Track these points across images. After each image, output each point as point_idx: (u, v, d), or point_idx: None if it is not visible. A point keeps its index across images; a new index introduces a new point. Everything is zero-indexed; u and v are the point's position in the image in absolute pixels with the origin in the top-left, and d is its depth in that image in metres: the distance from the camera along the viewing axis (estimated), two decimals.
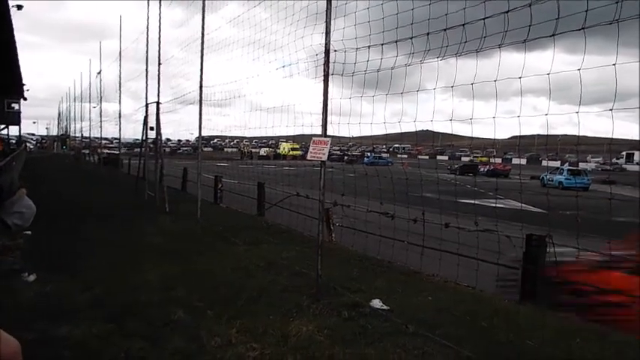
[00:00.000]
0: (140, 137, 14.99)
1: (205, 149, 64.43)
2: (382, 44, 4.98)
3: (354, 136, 6.01)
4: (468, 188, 19.03)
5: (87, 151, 43.03)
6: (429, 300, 5.30)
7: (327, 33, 5.21)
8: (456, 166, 44.94)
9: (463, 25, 4.22)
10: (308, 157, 5.40)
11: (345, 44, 5.27)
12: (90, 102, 33.13)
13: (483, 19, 4.09)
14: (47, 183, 17.73)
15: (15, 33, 15.07)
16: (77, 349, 3.89)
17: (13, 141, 41.89)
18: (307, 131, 6.24)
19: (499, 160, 59.36)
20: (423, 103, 5.33)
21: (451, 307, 4.95)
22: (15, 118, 39.18)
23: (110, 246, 7.45)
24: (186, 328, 4.32)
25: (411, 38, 4.69)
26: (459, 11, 4.27)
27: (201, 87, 10.27)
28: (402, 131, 5.36)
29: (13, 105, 37.52)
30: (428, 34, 4.52)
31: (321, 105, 5.32)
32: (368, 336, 4.24)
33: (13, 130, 42.85)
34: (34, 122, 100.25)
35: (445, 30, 4.36)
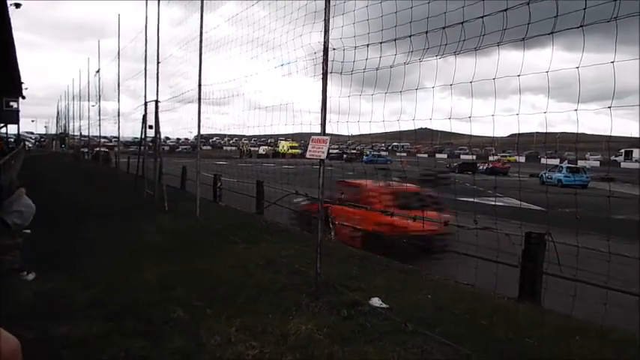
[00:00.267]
0: (139, 135, 14.99)
1: (204, 148, 64.20)
2: (381, 42, 4.98)
3: (353, 134, 6.00)
4: (467, 187, 19.02)
5: (86, 150, 42.95)
6: (429, 298, 5.30)
7: (326, 31, 5.20)
8: (455, 164, 44.85)
9: (462, 23, 4.22)
10: (307, 156, 5.38)
11: (343, 42, 5.26)
12: (89, 100, 33.04)
13: (482, 17, 4.09)
14: (46, 182, 17.70)
15: (14, 32, 15.05)
16: (77, 348, 3.90)
17: (12, 140, 41.89)
18: (306, 130, 6.25)
19: (523, 159, 58.92)
20: (421, 102, 5.33)
21: (450, 306, 4.95)
22: (14, 117, 39.20)
23: (109, 245, 7.45)
24: (186, 327, 4.33)
25: (410, 37, 4.70)
26: (457, 9, 4.28)
27: (199, 85, 10.26)
28: (401, 129, 5.37)
29: (11, 104, 37.49)
30: (427, 32, 4.52)
31: (319, 103, 5.32)
32: (367, 334, 4.24)
33: (12, 129, 42.99)
34: (33, 121, 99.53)
35: (444, 28, 4.36)
